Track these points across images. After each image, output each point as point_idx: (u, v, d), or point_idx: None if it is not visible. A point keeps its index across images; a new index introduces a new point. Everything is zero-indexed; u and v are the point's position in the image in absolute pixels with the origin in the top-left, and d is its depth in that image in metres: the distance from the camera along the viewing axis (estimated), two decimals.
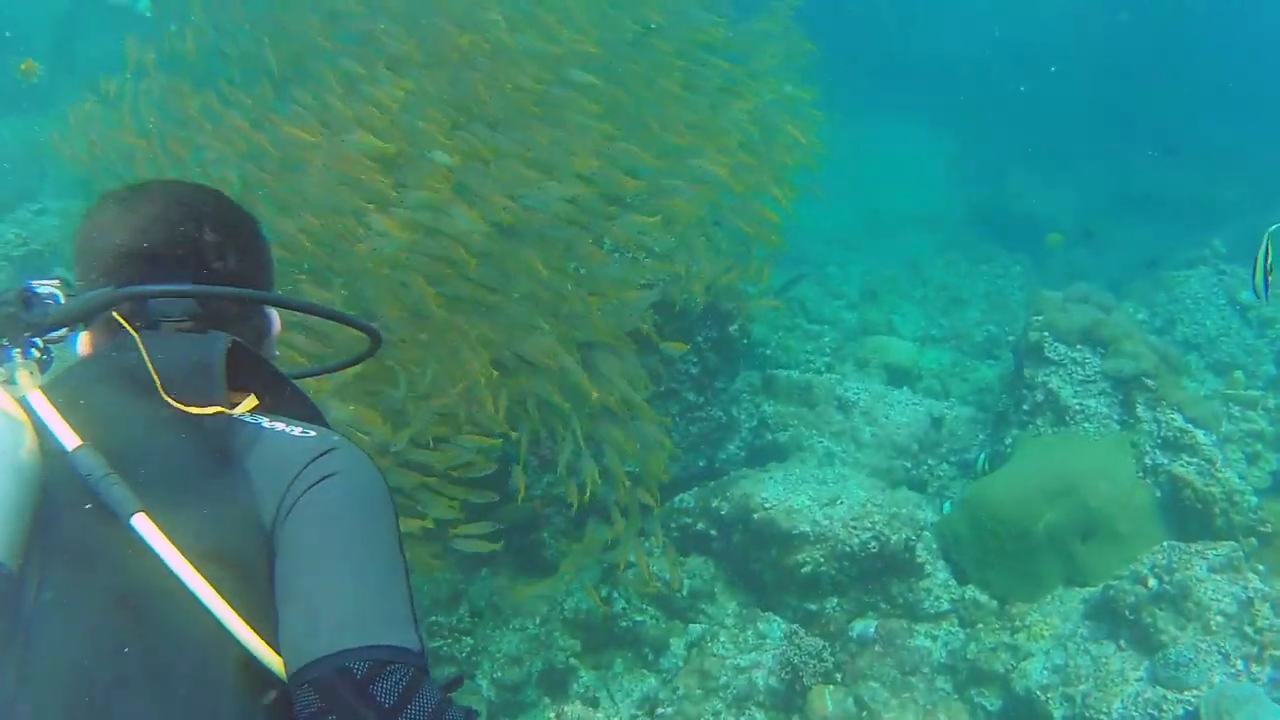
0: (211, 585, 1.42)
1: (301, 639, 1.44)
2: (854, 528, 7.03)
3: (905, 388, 10.38)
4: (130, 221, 1.78)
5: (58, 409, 1.54)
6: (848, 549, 6.98)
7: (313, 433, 1.65)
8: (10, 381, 1.60)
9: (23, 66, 9.21)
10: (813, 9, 7.89)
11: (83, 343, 1.79)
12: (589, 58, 6.59)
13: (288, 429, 1.64)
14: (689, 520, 7.77)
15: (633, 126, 6.74)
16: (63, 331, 1.72)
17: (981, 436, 9.01)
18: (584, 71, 6.37)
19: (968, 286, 14.21)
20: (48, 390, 1.59)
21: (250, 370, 1.74)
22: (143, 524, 1.43)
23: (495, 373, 5.89)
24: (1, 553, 1.40)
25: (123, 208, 1.80)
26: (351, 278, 5.80)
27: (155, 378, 1.59)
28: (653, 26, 7.38)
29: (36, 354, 1.67)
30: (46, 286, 1.73)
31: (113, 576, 1.43)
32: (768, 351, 11.14)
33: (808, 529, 7.03)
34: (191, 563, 1.42)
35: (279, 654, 1.44)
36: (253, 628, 1.43)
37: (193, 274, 1.78)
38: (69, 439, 1.50)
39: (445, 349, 5.81)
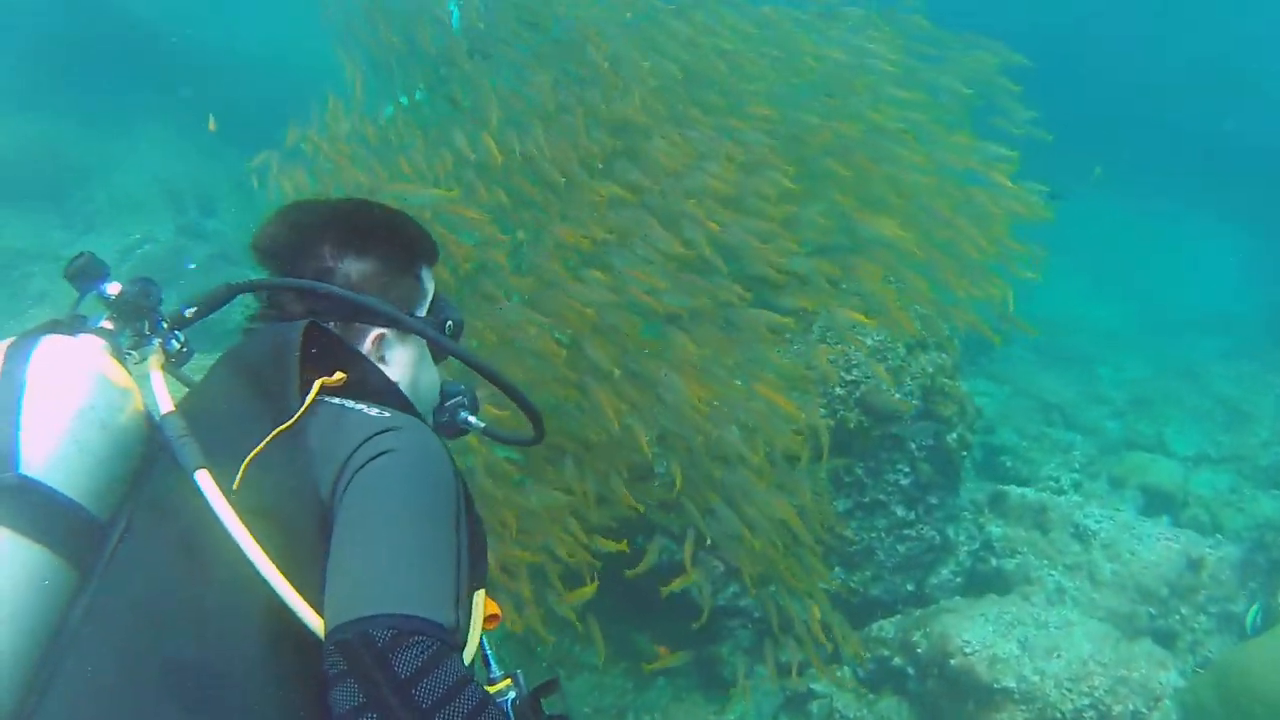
0: (254, 538, 1.52)
1: (335, 602, 1.50)
2: (1069, 690, 5.97)
3: (1166, 516, 9.07)
4: (274, 224, 2.00)
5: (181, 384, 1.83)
6: (1058, 716, 5.93)
7: (386, 414, 1.73)
8: (142, 361, 1.84)
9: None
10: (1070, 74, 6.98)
11: None
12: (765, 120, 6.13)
13: (365, 410, 1.74)
14: (886, 653, 6.92)
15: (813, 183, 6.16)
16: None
17: (1252, 586, 7.65)
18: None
19: (1258, 402, 12.49)
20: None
21: (332, 353, 1.83)
22: (204, 479, 1.58)
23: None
24: (92, 503, 1.61)
25: (279, 213, 2.03)
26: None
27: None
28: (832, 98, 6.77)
29: (178, 346, 1.88)
30: None
31: (179, 525, 1.58)
32: (1008, 462, 10.09)
33: (1012, 684, 6.03)
34: (239, 516, 1.54)
35: (321, 616, 1.50)
36: (291, 582, 1.51)
37: (293, 275, 1.96)
38: (165, 407, 1.71)
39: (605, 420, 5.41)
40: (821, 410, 6.81)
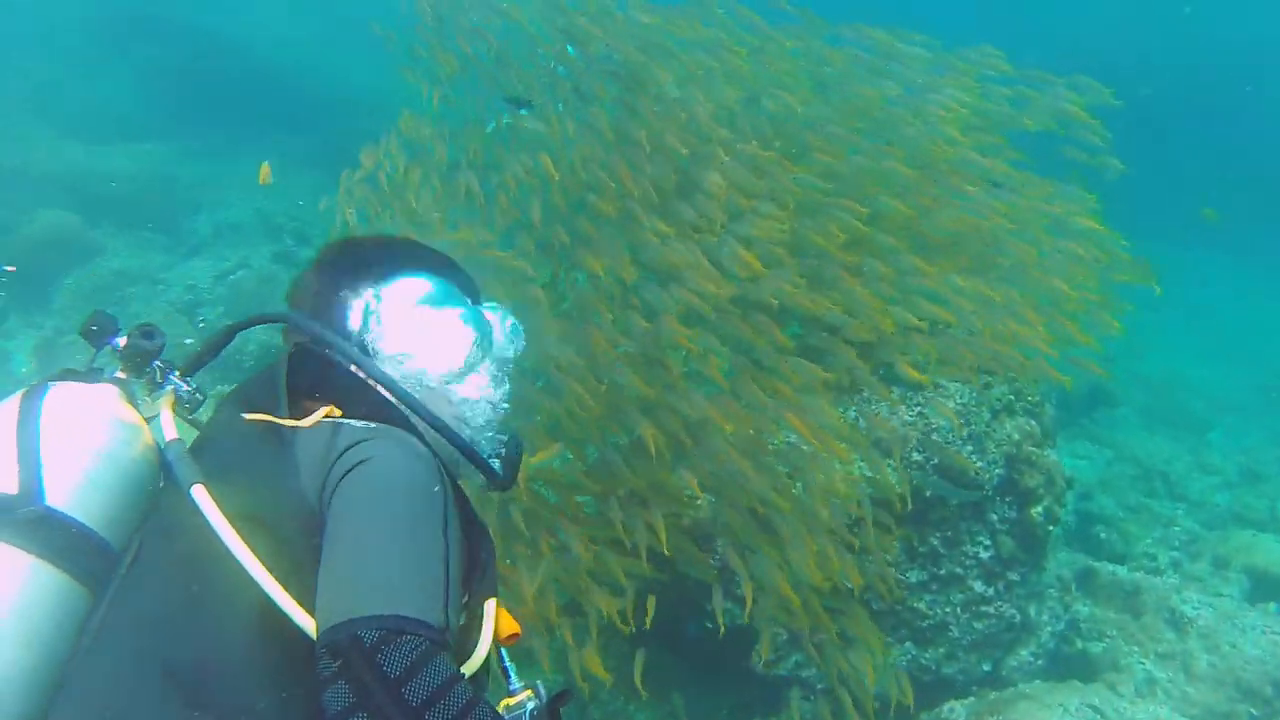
0: (244, 541, 1.61)
1: (325, 606, 1.54)
2: None
3: (1274, 603, 8.42)
4: (311, 263, 2.20)
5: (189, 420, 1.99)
6: None
7: (372, 425, 1.82)
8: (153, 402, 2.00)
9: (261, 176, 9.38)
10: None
11: None
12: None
13: (351, 423, 1.82)
14: None
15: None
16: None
17: None
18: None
19: None
20: None
21: (317, 376, 1.94)
22: (198, 492, 1.69)
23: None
24: (107, 532, 1.75)
25: (317, 252, 2.24)
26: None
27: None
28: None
29: (189, 390, 2.04)
30: None
31: (181, 542, 1.69)
32: (1102, 534, 9.55)
33: None
34: (232, 524, 1.63)
35: (313, 617, 1.55)
36: (284, 586, 1.58)
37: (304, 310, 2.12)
38: (170, 437, 1.84)
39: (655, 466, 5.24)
40: (895, 475, 6.50)
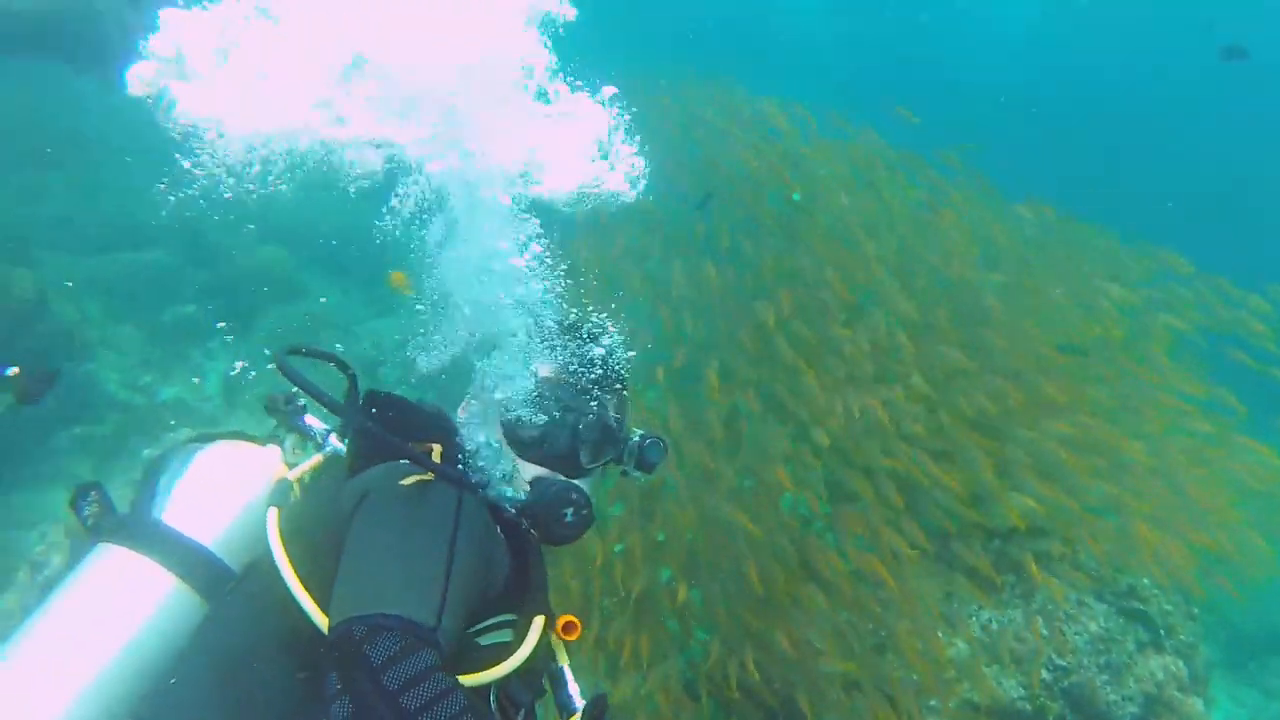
0: (284, 551, 1.95)
1: (334, 608, 1.81)
2: None
3: None
4: None
5: None
6: None
7: (407, 465, 2.10)
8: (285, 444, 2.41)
9: (395, 280, 7.59)
10: None
11: None
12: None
13: (396, 462, 2.12)
14: None
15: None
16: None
17: None
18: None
19: None
20: None
21: (367, 445, 2.20)
22: (269, 514, 2.05)
23: None
24: (230, 560, 2.09)
25: None
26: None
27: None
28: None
29: (320, 439, 2.36)
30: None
31: (264, 557, 2.00)
32: None
33: None
34: (281, 537, 1.98)
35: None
36: (306, 586, 1.90)
37: None
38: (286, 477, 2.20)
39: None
40: (1018, 691, 6.07)
